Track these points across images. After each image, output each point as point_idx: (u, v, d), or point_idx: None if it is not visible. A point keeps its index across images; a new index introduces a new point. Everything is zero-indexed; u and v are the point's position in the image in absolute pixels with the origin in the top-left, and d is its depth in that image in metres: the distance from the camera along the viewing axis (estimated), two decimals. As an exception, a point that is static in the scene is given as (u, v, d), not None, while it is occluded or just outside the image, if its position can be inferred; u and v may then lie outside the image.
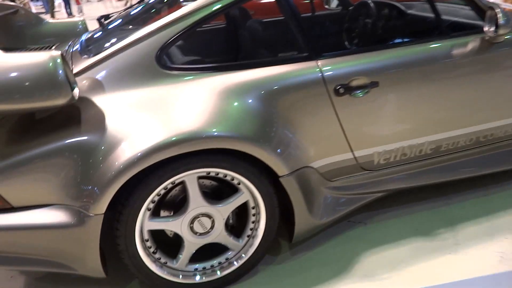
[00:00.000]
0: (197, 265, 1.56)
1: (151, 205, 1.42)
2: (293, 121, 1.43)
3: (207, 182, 1.54)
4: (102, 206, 1.29)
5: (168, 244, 1.57)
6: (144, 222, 1.44)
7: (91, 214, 1.30)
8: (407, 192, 1.93)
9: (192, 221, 1.49)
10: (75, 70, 1.40)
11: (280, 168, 1.42)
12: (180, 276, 1.51)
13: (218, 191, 1.54)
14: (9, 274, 1.65)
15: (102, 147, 1.26)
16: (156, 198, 1.42)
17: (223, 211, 1.48)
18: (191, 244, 1.49)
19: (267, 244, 1.56)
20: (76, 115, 1.31)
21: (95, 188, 1.28)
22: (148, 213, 1.43)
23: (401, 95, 1.51)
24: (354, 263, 1.59)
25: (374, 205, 1.87)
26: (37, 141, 1.29)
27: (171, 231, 1.54)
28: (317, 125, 1.49)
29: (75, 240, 1.33)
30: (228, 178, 1.45)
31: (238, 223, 1.61)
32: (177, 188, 1.54)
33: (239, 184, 1.48)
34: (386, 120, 1.55)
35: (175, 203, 1.54)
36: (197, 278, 1.52)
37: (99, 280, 1.60)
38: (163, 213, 1.54)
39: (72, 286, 1.60)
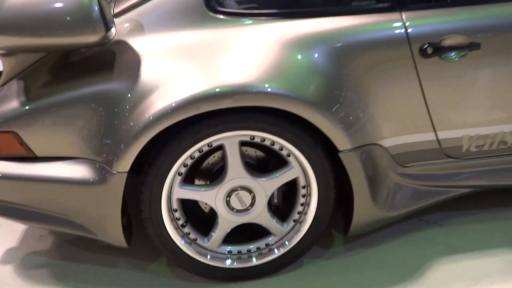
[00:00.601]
0: (232, 247, 1.44)
1: (183, 170, 1.33)
2: (364, 85, 1.30)
3: (251, 151, 1.43)
4: (126, 163, 1.23)
5: (202, 221, 1.48)
6: (174, 188, 1.34)
7: (114, 171, 1.24)
8: (499, 193, 1.69)
9: (229, 194, 1.37)
10: (116, 11, 1.36)
11: (341, 140, 1.29)
12: (209, 257, 1.42)
13: (263, 165, 1.42)
14: (39, 233, 1.67)
15: (131, 96, 1.21)
16: (189, 162, 1.32)
17: (267, 186, 1.36)
18: (226, 221, 1.38)
19: (316, 232, 1.43)
20: (109, 59, 1.26)
21: (120, 142, 1.22)
22: (178, 178, 1.33)
23: (510, 65, 1.29)
24: (423, 270, 1.42)
25: (451, 205, 1.65)
26: (63, 85, 1.27)
27: (206, 204, 1.45)
28: (392, 94, 1.33)
29: (95, 199, 1.29)
30: (276, 147, 1.33)
31: (284, 204, 1.47)
32: (216, 154, 1.43)
33: (288, 156, 1.35)
34: (485, 95, 1.34)
35: (212, 173, 1.43)
36: (228, 262, 1.42)
37: (124, 251, 1.54)
38: (197, 182, 1.44)
39: (96, 254, 1.59)
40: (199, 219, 1.49)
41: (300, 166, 1.36)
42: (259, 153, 1.43)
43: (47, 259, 1.57)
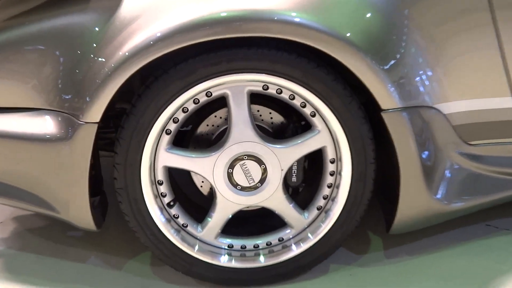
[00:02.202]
0: (234, 240, 1.32)
1: (172, 126, 1.20)
2: (429, 33, 1.21)
3: (265, 114, 1.33)
4: (96, 111, 1.12)
5: (198, 209, 1.39)
6: (159, 152, 1.21)
7: (81, 122, 1.13)
8: None
9: (231, 165, 1.23)
10: None
11: (386, 96, 1.16)
12: (197, 248, 1.29)
13: (280, 135, 1.32)
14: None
15: (101, 30, 1.14)
16: (181, 117, 1.19)
17: (284, 157, 1.23)
18: (226, 202, 1.26)
19: (348, 226, 1.29)
20: None
21: (89, 86, 1.13)
22: (166, 138, 1.20)
23: None
24: (492, 285, 1.25)
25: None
26: (15, 21, 1.22)
27: (203, 182, 1.37)
28: (459, 42, 1.23)
29: (57, 160, 1.17)
30: (297, 102, 1.20)
31: (306, 187, 1.38)
32: (218, 114, 1.33)
33: (313, 115, 1.22)
34: None
35: (211, 141, 1.33)
36: (224, 259, 1.29)
37: (96, 244, 1.49)
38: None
39: (63, 246, 1.50)
40: (194, 206, 1.40)
41: (328, 131, 1.22)
42: (276, 118, 1.33)
43: (3, 248, 1.47)
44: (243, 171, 1.24)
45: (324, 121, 1.21)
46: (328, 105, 1.17)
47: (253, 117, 1.22)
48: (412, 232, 1.39)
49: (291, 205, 1.29)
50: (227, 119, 1.22)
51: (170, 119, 1.18)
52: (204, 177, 1.25)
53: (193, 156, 1.24)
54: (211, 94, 1.17)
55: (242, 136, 1.21)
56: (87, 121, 1.13)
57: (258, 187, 1.25)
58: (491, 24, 1.20)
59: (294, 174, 1.30)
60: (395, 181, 1.24)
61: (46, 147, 1.17)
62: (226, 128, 1.26)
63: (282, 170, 1.24)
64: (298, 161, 1.27)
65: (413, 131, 1.19)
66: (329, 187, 1.29)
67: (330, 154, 1.26)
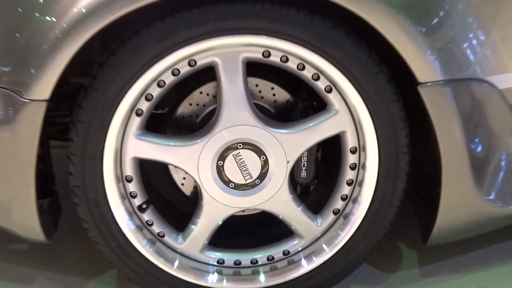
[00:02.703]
0: (225, 254, 1.37)
1: (144, 105, 1.21)
2: None
3: (265, 90, 1.37)
4: (44, 85, 1.12)
5: (178, 214, 1.45)
6: (127, 139, 1.23)
7: (24, 99, 1.14)
8: None
9: (222, 155, 1.25)
10: None
11: (425, 66, 1.18)
12: (177, 264, 1.33)
13: (286, 113, 1.37)
14: None
15: None
16: (156, 93, 1.21)
17: (290, 145, 1.26)
18: (215, 205, 1.30)
19: (374, 235, 1.33)
20: None
21: (35, 54, 1.13)
22: (136, 121, 1.22)
23: None
24: None
25: None
26: None
27: (185, 178, 1.43)
28: None
29: None
30: (308, 74, 1.22)
31: (319, 185, 1.43)
32: (204, 90, 1.37)
33: (329, 91, 1.23)
34: None
35: (195, 125, 1.38)
36: (213, 278, 1.33)
37: (49, 259, 1.51)
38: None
39: (4, 263, 1.52)
40: (173, 210, 1.46)
41: (348, 112, 1.24)
42: (280, 95, 1.36)
43: None
44: (238, 164, 1.26)
45: (343, 98, 1.22)
46: (348, 77, 1.18)
47: (250, 94, 1.23)
48: (456, 244, 1.44)
49: (299, 208, 1.31)
50: (216, 97, 1.23)
51: (142, 95, 1.18)
52: (186, 172, 1.26)
53: (172, 144, 1.24)
54: (195, 63, 1.18)
55: (236, 118, 1.22)
56: (33, 99, 1.12)
57: (256, 185, 1.27)
58: None
59: (303, 168, 1.33)
60: (435, 177, 1.26)
61: None
62: (214, 109, 1.28)
63: (288, 162, 1.26)
64: (309, 151, 1.29)
65: (458, 112, 1.20)
66: (349, 184, 1.31)
67: (350, 141, 1.27)
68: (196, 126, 1.36)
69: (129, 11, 1.07)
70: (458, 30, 1.21)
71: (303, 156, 1.31)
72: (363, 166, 1.28)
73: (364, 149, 1.27)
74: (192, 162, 1.24)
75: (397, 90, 1.22)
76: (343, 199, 1.33)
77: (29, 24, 1.13)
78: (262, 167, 1.26)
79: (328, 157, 1.39)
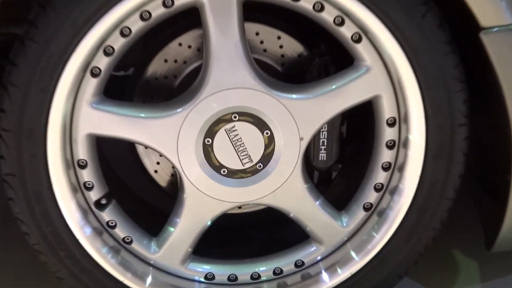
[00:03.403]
0: (216, 266, 1.43)
1: (103, 63, 1.25)
2: None
3: (269, 38, 1.43)
4: None
5: (150, 209, 1.54)
6: (79, 108, 1.27)
7: None
8: None
9: (211, 130, 1.30)
10: None
11: (489, 6, 1.23)
12: (149, 281, 1.38)
13: (298, 71, 1.42)
14: None
15: None
16: (119, 45, 1.25)
17: (305, 116, 1.30)
18: (202, 199, 1.35)
19: (420, 239, 1.39)
20: None
21: None
22: (92, 84, 1.26)
23: None
24: None
25: None
26: None
27: (160, 159, 1.48)
28: None
29: None
30: (328, 16, 1.26)
31: (345, 171, 1.49)
32: (184, 40, 1.43)
33: (357, 40, 1.28)
34: None
35: (173, 90, 1.45)
36: None
37: None
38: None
39: None
40: (144, 206, 1.53)
41: (384, 69, 1.28)
42: (289, 47, 1.41)
43: None
44: (232, 142, 1.28)
45: (377, 50, 1.25)
46: (383, 21, 1.21)
47: (249, 45, 1.24)
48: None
49: (317, 203, 1.34)
50: (202, 50, 1.27)
51: (99, 48, 1.21)
52: (161, 155, 1.29)
53: (142, 115, 1.27)
54: (172, 3, 1.20)
55: (229, 78, 1.24)
56: None
57: (258, 171, 1.31)
58: None
59: (322, 148, 1.37)
60: (502, 159, 1.29)
61: None
62: (199, 66, 1.29)
63: (301, 139, 1.29)
64: (330, 123, 1.33)
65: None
66: (385, 169, 1.34)
67: (387, 110, 1.30)
68: (174, 91, 1.37)
69: None
70: None
71: (322, 131, 1.33)
72: (405, 144, 1.30)
73: (405, 121, 1.29)
74: (170, 141, 1.26)
75: (452, 38, 1.24)
76: (377, 189, 1.35)
77: None
78: (266, 147, 1.29)
79: (356, 132, 1.42)
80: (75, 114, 1.25)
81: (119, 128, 1.27)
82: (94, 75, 1.23)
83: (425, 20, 1.21)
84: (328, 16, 1.24)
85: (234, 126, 1.27)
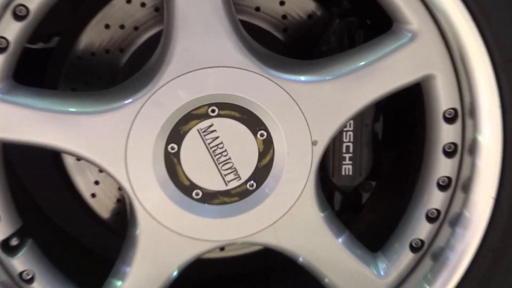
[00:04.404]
0: None
1: (11, 32, 1.31)
2: None
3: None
4: None
5: (84, 252, 1.59)
6: None
7: None
8: None
9: (177, 131, 1.36)
10: None
11: None
12: None
13: (308, 41, 1.48)
14: None
15: None
16: (37, 4, 1.30)
17: (318, 108, 1.36)
18: (163, 236, 1.40)
19: None
20: None
21: None
22: None
23: None
24: None
25: None
26: None
27: (99, 177, 1.56)
28: None
29: None
30: None
31: (381, 191, 1.55)
32: None
33: None
34: None
35: (117, 70, 1.51)
36: None
37: None
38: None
39: None
40: (77, 248, 1.58)
41: (440, 36, 1.34)
42: (295, 1, 1.47)
43: None
44: (209, 149, 1.33)
45: (428, 6, 1.30)
46: None
47: (234, 2, 1.29)
48: None
49: (339, 241, 1.39)
50: (162, 9, 1.29)
51: (5, 9, 1.25)
52: (102, 169, 1.35)
53: (71, 110, 1.31)
54: None
55: (204, 51, 1.29)
56: None
57: (250, 193, 1.36)
58: None
59: (346, 157, 1.40)
60: None
61: None
62: (158, 34, 1.34)
63: (314, 144, 1.34)
64: (359, 120, 1.36)
65: None
66: (442, 187, 1.39)
67: (443, 98, 1.36)
68: (120, 72, 1.41)
69: None
70: None
71: (346, 131, 1.36)
72: (472, 150, 1.35)
73: (472, 114, 1.34)
74: (114, 148, 1.31)
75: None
76: (430, 218, 1.38)
77: None
78: (261, 156, 1.33)
79: (398, 133, 1.45)
80: None
81: (37, 129, 1.30)
82: None
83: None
84: None
85: (212, 124, 1.30)
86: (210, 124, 1.30)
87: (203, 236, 1.35)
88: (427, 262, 1.41)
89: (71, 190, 1.50)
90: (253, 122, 1.31)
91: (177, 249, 1.36)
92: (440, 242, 1.40)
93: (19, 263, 1.36)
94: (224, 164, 1.33)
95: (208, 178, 1.33)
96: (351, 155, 1.39)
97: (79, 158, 1.42)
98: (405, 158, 1.45)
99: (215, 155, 1.32)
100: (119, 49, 1.40)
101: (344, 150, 1.39)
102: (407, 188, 1.42)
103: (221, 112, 1.30)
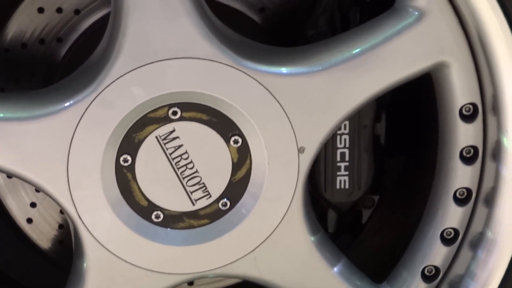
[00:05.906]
0: None
1: None
2: None
3: None
4: None
5: None
6: None
7: None
8: None
9: (131, 139, 1.31)
10: None
11: None
12: None
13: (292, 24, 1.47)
14: None
15: None
16: None
17: (305, 107, 1.33)
18: (115, 270, 1.35)
19: None
20: None
21: None
22: None
23: None
24: None
25: None
26: None
27: (36, 198, 1.49)
28: None
29: None
30: None
31: (385, 208, 1.50)
32: None
33: None
34: None
35: (57, 64, 1.45)
36: None
37: None
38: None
39: None
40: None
41: (454, 15, 1.29)
42: None
43: None
44: (171, 160, 1.30)
45: None
46: None
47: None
48: None
49: (334, 271, 1.33)
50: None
51: None
52: (38, 188, 1.30)
53: None
54: None
55: (161, 39, 1.26)
56: None
57: (223, 213, 1.33)
58: None
59: (341, 167, 1.35)
60: None
61: None
62: (105, 19, 1.29)
63: (301, 151, 1.30)
64: (356, 120, 1.33)
65: None
66: (460, 201, 1.37)
67: (460, 91, 1.32)
68: (58, 67, 1.36)
69: None
70: None
71: (341, 135, 1.31)
72: (496, 154, 1.31)
73: (495, 109, 1.28)
74: (53, 162, 1.25)
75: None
76: (446, 240, 1.32)
77: None
78: (235, 167, 1.26)
79: (404, 136, 1.42)
80: None
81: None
82: None
83: None
84: None
85: (174, 130, 1.26)
86: (171, 129, 1.27)
87: (166, 268, 1.29)
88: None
89: (1, 214, 1.44)
90: (224, 126, 1.28)
91: (134, 285, 1.28)
92: (458, 269, 1.33)
93: None
94: (190, 179, 1.29)
95: (171, 197, 1.30)
96: (347, 164, 1.34)
97: (10, 175, 1.36)
98: (414, 166, 1.43)
99: (178, 168, 1.29)
100: (57, 39, 1.36)
101: (338, 158, 1.33)
102: (417, 203, 1.36)
103: (185, 115, 1.27)
